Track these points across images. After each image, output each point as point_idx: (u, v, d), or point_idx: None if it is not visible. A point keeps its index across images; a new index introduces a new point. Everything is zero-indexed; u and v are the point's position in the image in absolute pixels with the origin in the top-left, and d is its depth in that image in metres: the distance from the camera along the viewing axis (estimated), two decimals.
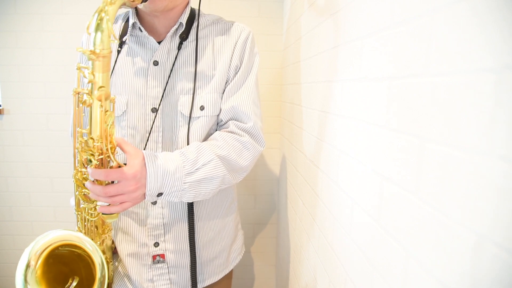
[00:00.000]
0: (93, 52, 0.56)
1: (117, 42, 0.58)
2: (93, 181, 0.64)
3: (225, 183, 0.81)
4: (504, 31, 0.30)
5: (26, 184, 1.72)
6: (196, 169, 0.74)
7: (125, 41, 0.83)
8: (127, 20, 0.85)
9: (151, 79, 0.81)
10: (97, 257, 0.69)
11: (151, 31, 0.83)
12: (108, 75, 0.59)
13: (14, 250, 1.78)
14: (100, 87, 0.58)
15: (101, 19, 0.56)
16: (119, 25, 0.86)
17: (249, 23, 1.64)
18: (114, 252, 0.88)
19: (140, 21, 0.82)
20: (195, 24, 0.85)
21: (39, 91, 1.65)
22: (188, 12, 0.84)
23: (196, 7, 0.87)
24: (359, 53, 0.63)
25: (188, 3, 0.85)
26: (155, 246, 0.86)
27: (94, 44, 0.56)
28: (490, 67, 0.31)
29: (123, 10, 0.90)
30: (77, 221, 0.76)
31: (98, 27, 0.56)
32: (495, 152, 0.31)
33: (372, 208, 0.57)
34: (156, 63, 0.81)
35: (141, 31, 0.80)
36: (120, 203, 0.66)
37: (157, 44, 0.81)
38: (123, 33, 0.84)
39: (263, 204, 1.78)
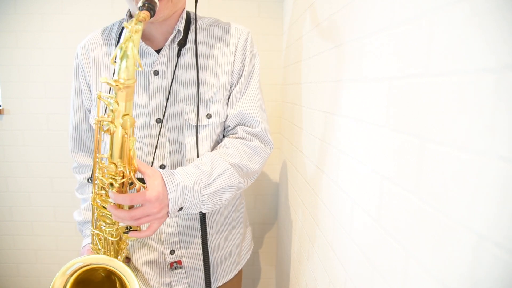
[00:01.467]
0: (117, 82, 0.55)
1: (141, 70, 0.57)
2: (114, 204, 0.65)
3: (240, 188, 0.82)
4: (504, 31, 0.30)
5: (26, 184, 1.72)
6: (213, 180, 0.74)
7: None
8: (122, 30, 0.84)
9: (153, 89, 0.80)
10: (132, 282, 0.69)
11: (148, 39, 0.82)
12: (131, 103, 0.59)
13: (14, 250, 1.78)
14: (124, 115, 0.58)
15: (126, 47, 0.55)
16: (114, 36, 0.85)
17: (249, 23, 1.64)
18: (127, 262, 0.89)
19: None
20: (192, 29, 0.84)
21: (39, 91, 1.66)
22: (185, 18, 0.82)
23: (191, 10, 0.86)
24: (360, 53, 0.63)
25: (184, 8, 0.84)
26: (171, 254, 0.87)
27: (119, 74, 0.55)
28: (490, 67, 0.31)
29: (117, 18, 0.89)
30: (92, 239, 0.75)
31: (124, 54, 0.55)
32: (495, 152, 0.31)
33: (372, 208, 0.57)
34: (156, 72, 0.80)
35: None
36: (149, 226, 0.67)
37: (156, 53, 0.80)
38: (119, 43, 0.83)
39: (263, 204, 1.78)
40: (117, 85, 0.55)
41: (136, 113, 0.80)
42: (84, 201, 0.93)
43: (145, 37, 0.81)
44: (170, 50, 0.81)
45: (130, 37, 0.55)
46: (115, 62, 0.56)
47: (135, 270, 0.88)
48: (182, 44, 0.81)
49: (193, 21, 0.85)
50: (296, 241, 1.22)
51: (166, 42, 0.80)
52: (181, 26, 0.81)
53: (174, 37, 0.81)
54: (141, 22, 0.57)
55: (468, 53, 0.34)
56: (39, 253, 1.79)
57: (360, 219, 0.62)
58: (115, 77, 0.55)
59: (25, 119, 1.67)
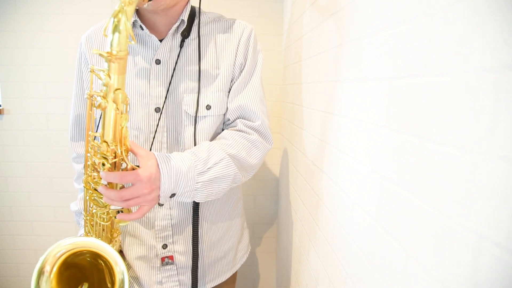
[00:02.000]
0: (109, 54, 0.55)
1: (134, 43, 0.57)
2: (105, 185, 0.64)
3: (236, 181, 0.81)
4: (504, 31, 0.30)
5: (26, 184, 1.72)
6: (208, 168, 0.73)
7: None
8: None
9: (154, 78, 0.80)
10: (119, 267, 0.67)
11: (152, 29, 0.82)
12: (124, 77, 0.58)
13: (14, 250, 1.78)
14: (116, 89, 0.57)
15: (118, 20, 0.54)
16: None
17: (249, 23, 1.64)
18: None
19: (140, 19, 0.81)
20: (196, 22, 0.84)
21: (39, 91, 1.65)
22: (189, 10, 0.83)
23: (196, 5, 0.86)
24: (360, 53, 0.63)
25: (188, 0, 0.84)
26: (164, 248, 0.86)
27: (111, 46, 0.55)
28: (490, 67, 0.31)
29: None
30: (85, 226, 0.75)
31: (115, 28, 0.55)
32: (495, 152, 0.31)
33: (372, 208, 0.57)
34: (158, 61, 0.80)
35: (142, 29, 0.79)
36: (138, 208, 0.66)
37: (159, 42, 0.80)
38: None
39: (263, 204, 1.78)
40: (109, 57, 0.55)
41: (136, 101, 0.80)
42: (81, 191, 0.93)
43: (149, 27, 0.81)
44: (173, 40, 0.82)
45: (123, 8, 0.54)
46: (106, 35, 0.56)
47: (127, 266, 0.88)
48: (185, 35, 0.82)
49: (197, 15, 0.85)
50: (296, 241, 1.22)
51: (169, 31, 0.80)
52: (185, 16, 0.81)
53: (178, 27, 0.81)
54: None
55: (468, 53, 0.34)
56: (39, 253, 1.79)
57: (360, 219, 0.62)
58: (108, 48, 0.55)
59: (25, 119, 1.67)
